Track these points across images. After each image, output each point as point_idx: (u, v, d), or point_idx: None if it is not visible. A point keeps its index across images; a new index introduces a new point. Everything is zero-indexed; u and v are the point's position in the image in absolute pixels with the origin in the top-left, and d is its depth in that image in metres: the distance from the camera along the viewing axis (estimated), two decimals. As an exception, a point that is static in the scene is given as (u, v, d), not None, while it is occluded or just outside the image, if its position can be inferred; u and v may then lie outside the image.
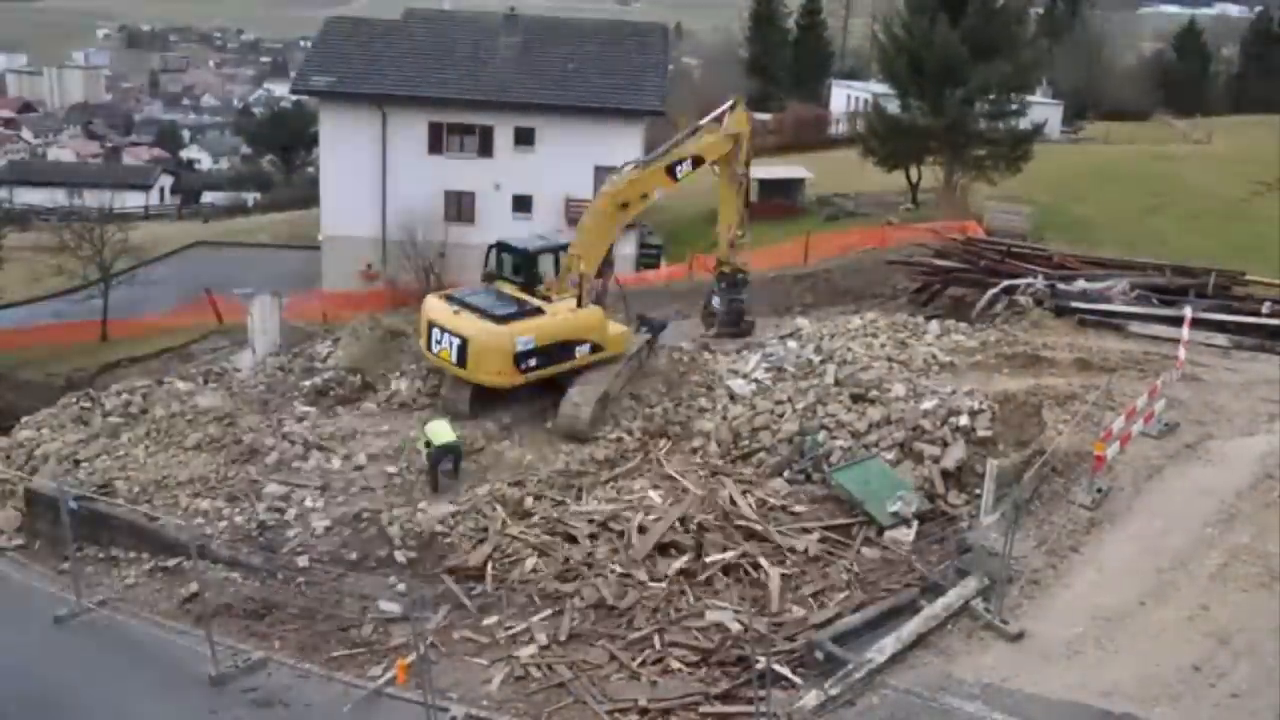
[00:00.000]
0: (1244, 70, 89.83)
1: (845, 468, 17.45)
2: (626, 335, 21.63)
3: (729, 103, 23.30)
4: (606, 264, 22.09)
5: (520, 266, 21.07)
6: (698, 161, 22.24)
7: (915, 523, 16.34)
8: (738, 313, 25.52)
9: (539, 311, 20.09)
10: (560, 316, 20.17)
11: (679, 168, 21.86)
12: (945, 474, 17.82)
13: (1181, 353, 20.27)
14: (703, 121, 23.00)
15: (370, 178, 40.76)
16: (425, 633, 13.18)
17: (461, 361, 19.66)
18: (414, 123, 41.09)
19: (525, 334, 19.56)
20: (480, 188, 41.45)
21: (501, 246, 21.48)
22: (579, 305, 20.43)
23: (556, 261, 21.17)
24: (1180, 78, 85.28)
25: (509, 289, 20.92)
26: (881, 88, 49.53)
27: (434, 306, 20.52)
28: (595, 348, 20.63)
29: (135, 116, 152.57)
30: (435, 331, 20.07)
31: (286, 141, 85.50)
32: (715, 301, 25.49)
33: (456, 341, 19.61)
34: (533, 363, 19.72)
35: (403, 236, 39.05)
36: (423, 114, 41.08)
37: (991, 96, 40.62)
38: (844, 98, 73.90)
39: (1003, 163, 40.26)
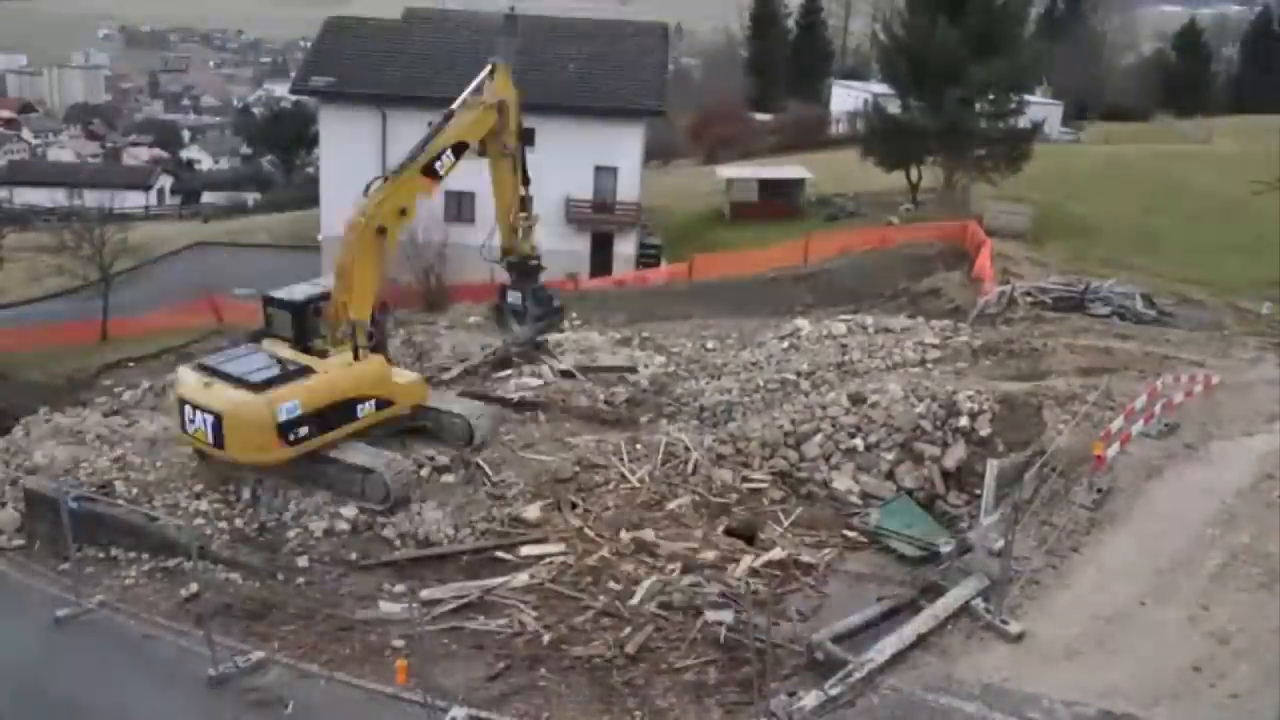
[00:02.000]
0: (1244, 70, 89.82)
1: (883, 511, 17.12)
2: (418, 384, 19.14)
3: (487, 68, 20.28)
4: (381, 303, 18.95)
5: (291, 321, 18.04)
6: (460, 149, 19.70)
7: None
8: (545, 299, 22.98)
9: (307, 371, 17.28)
10: (333, 374, 17.44)
11: (438, 163, 19.20)
12: (945, 474, 17.86)
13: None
14: (456, 102, 20.05)
15: (370, 178, 40.59)
16: (425, 633, 13.17)
17: (218, 441, 16.81)
18: (414, 123, 40.81)
19: (288, 399, 16.71)
20: (480, 188, 41.06)
21: (268, 300, 18.48)
22: (355, 357, 17.75)
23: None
24: (1180, 78, 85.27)
25: (281, 348, 17.92)
26: (881, 88, 49.51)
27: (184, 379, 17.63)
28: (382, 403, 18.07)
29: (135, 116, 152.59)
30: (187, 409, 17.15)
31: (286, 141, 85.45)
32: (512, 298, 22.91)
33: (209, 418, 16.77)
34: (303, 432, 16.88)
35: (402, 236, 38.82)
36: (423, 114, 40.81)
37: (991, 96, 40.61)
38: (844, 97, 73.90)
39: (1002, 162, 40.25)
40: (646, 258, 42.31)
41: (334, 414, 17.34)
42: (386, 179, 18.80)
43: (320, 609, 15.26)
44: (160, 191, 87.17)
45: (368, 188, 18.75)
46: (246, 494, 17.81)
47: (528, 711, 12.82)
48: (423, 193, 19.15)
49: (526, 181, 21.79)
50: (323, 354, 17.80)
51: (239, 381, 16.92)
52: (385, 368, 18.48)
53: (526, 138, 40.56)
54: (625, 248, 41.51)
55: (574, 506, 17.26)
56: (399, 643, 14.16)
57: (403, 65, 41.86)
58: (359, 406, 17.73)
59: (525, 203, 22.04)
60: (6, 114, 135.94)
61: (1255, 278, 31.17)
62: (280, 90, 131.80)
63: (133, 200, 71.30)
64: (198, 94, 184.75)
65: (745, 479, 18.33)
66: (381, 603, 14.78)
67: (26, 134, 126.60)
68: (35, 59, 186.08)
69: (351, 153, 40.67)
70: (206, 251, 50.18)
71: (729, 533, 17.28)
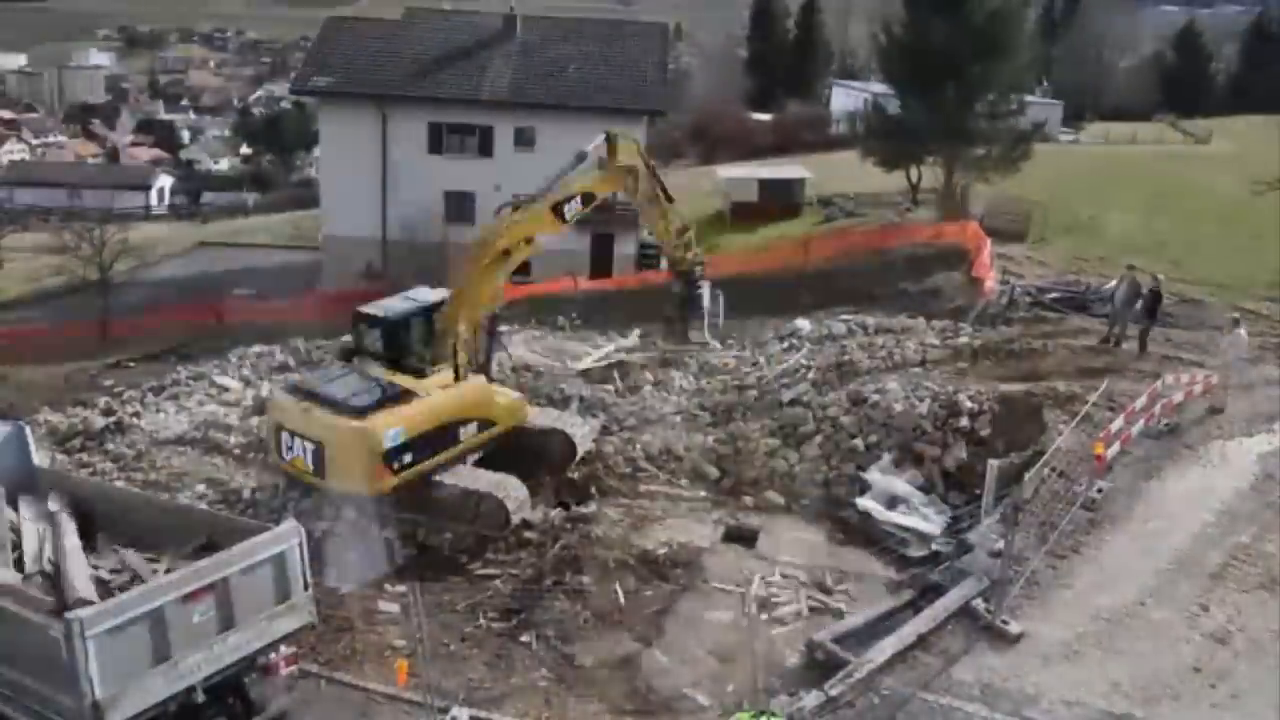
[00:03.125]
0: (1244, 70, 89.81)
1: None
2: (519, 404, 18.62)
3: (601, 138, 19.45)
4: (490, 323, 18.73)
5: (383, 338, 17.41)
6: (588, 199, 19.05)
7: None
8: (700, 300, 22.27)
9: (408, 395, 16.63)
10: (436, 397, 16.83)
11: (567, 207, 18.58)
12: (945, 474, 17.85)
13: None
14: (588, 148, 19.35)
15: (370, 178, 40.71)
16: (425, 633, 13.17)
17: (320, 470, 16.21)
18: (414, 123, 41.06)
19: (393, 425, 16.02)
20: (480, 188, 41.35)
21: (359, 316, 17.81)
22: (456, 377, 17.23)
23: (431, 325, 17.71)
24: (1180, 78, 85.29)
25: (373, 367, 17.30)
26: (881, 88, 49.49)
27: (280, 404, 17.03)
28: (484, 425, 17.54)
29: (135, 116, 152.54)
30: (284, 436, 16.53)
31: (286, 141, 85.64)
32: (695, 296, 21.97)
33: (310, 446, 16.13)
34: (407, 459, 16.24)
35: (403, 237, 38.99)
36: (423, 114, 41.05)
37: (990, 96, 40.59)
38: (844, 97, 73.91)
39: (1002, 163, 40.24)
40: (646, 258, 42.28)
41: (437, 438, 16.64)
42: (516, 208, 18.35)
43: (320, 609, 15.25)
44: (160, 191, 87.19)
45: (498, 211, 18.66)
46: (246, 494, 17.81)
47: (527, 711, 12.83)
48: (550, 230, 18.61)
49: (670, 200, 20.80)
50: (418, 373, 17.14)
51: (340, 407, 16.14)
52: (488, 388, 18.00)
53: (526, 137, 41.27)
54: (625, 248, 41.48)
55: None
56: (399, 643, 14.16)
57: (403, 65, 41.87)
58: (461, 429, 17.10)
59: (674, 221, 20.98)
60: (6, 114, 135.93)
61: (1255, 278, 31.16)
62: (280, 90, 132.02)
63: (133, 200, 71.33)
64: (198, 94, 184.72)
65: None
66: (382, 603, 14.80)
67: (26, 134, 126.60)
68: (35, 59, 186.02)
69: (351, 153, 40.75)
70: (207, 252, 50.18)
71: (728, 537, 17.29)
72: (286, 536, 11.58)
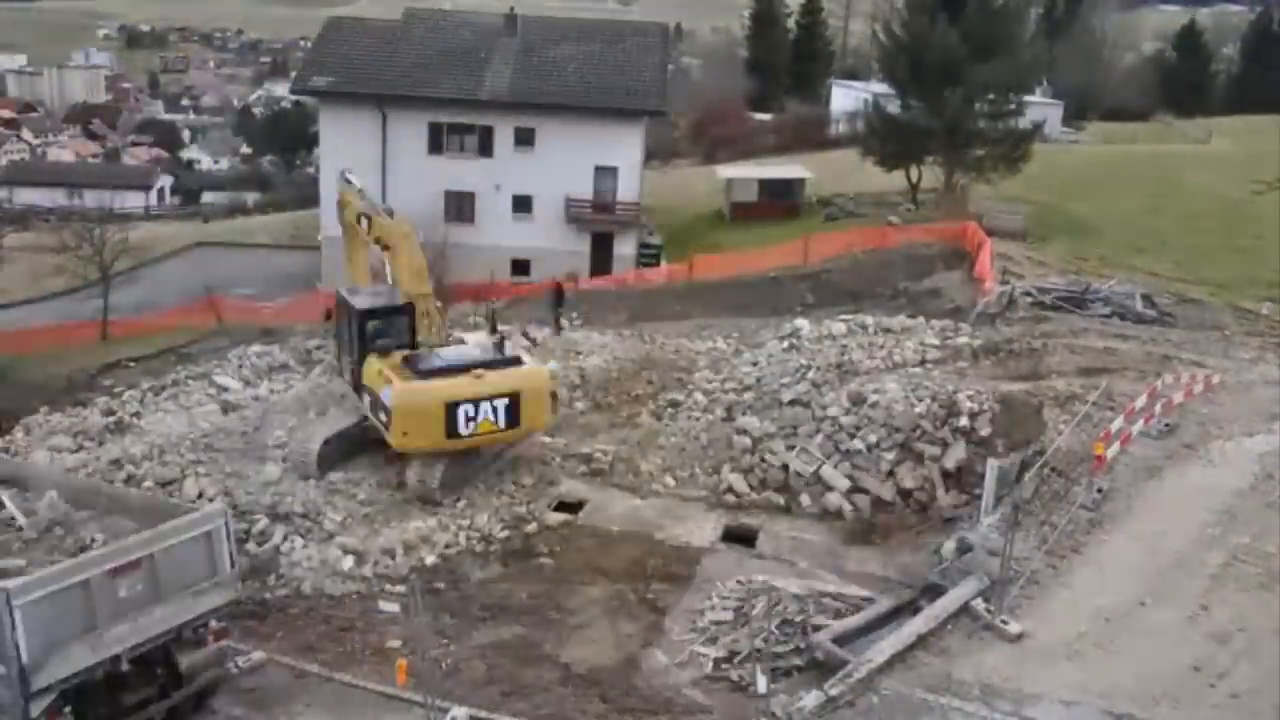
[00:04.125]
0: (1244, 70, 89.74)
1: None
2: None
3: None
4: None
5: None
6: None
7: None
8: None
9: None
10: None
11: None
12: (945, 474, 17.86)
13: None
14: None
15: (370, 178, 40.58)
16: (425, 633, 13.17)
17: (513, 420, 18.05)
18: (414, 123, 41.03)
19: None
20: (480, 188, 41.40)
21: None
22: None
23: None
24: (1180, 78, 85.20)
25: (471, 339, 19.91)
26: (881, 88, 49.47)
27: (440, 389, 17.70)
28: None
29: (135, 116, 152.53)
30: (461, 411, 17.55)
31: (286, 141, 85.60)
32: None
33: (501, 404, 17.80)
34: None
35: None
36: (423, 114, 41.02)
37: (991, 96, 40.58)
38: (844, 97, 73.87)
39: (1002, 163, 40.23)
40: (646, 258, 42.29)
41: None
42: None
43: (320, 609, 15.27)
44: (160, 191, 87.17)
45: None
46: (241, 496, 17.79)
47: (526, 711, 12.83)
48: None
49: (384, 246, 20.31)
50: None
51: (506, 363, 18.45)
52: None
53: (526, 138, 41.25)
54: (625, 248, 41.48)
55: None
56: (398, 643, 14.16)
57: (403, 65, 41.85)
58: None
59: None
60: (6, 114, 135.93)
61: (1255, 278, 31.16)
62: (280, 90, 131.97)
63: (133, 200, 71.30)
64: (198, 94, 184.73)
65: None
66: (382, 603, 14.81)
67: (26, 134, 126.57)
68: (35, 59, 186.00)
69: (351, 153, 40.66)
70: (206, 251, 50.12)
71: (728, 536, 17.31)
72: (213, 517, 12.46)
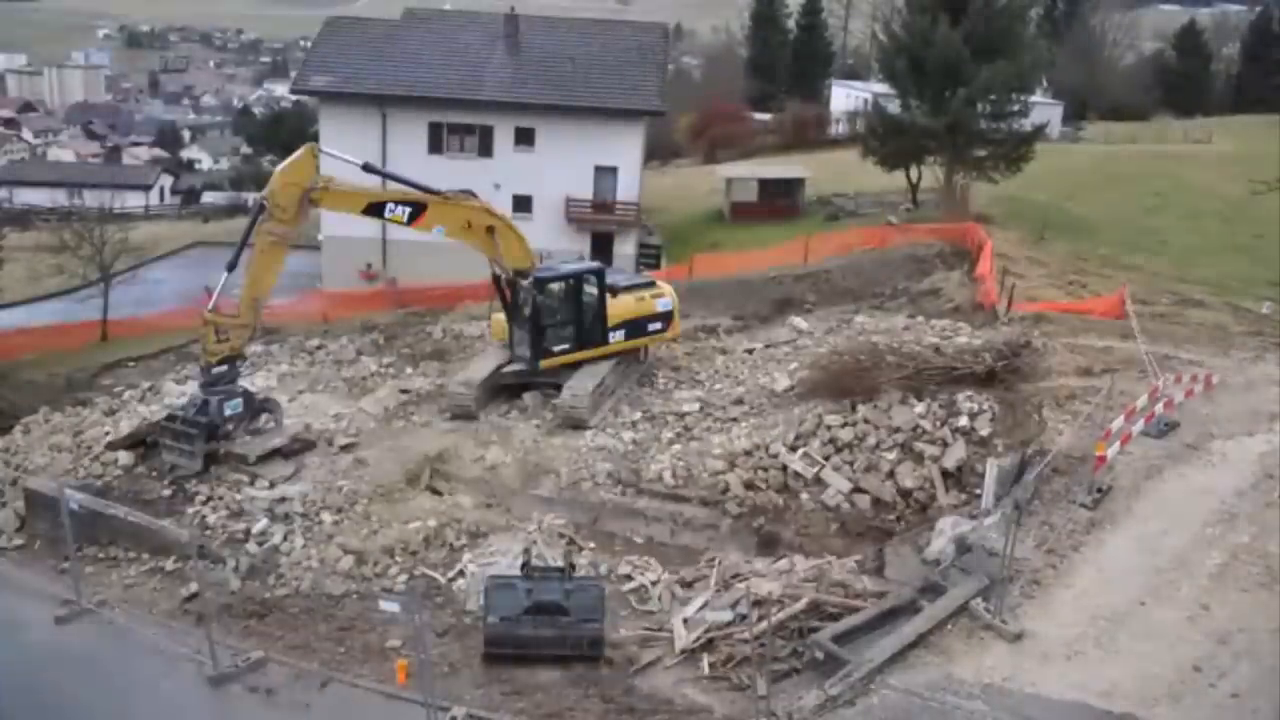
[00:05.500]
0: (1244, 70, 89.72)
1: None
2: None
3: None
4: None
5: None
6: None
7: None
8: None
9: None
10: None
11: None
12: (945, 474, 17.85)
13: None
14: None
15: (370, 178, 40.59)
16: (425, 633, 13.17)
17: (666, 327, 23.01)
18: (414, 123, 41.01)
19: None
20: (480, 188, 41.18)
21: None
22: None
23: None
24: (1180, 78, 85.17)
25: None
26: (881, 88, 49.44)
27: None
28: None
29: (135, 116, 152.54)
30: (620, 331, 22.19)
31: (286, 141, 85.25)
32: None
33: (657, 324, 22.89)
34: None
35: (402, 237, 38.79)
36: (423, 114, 41.00)
37: (993, 97, 40.53)
38: (844, 97, 73.87)
39: (1003, 163, 40.20)
40: (646, 258, 42.28)
41: None
42: None
43: (320, 609, 15.27)
44: (160, 191, 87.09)
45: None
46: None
47: (525, 710, 12.83)
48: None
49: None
50: None
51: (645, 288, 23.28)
52: None
53: (526, 137, 41.24)
54: (625, 248, 41.47)
55: None
56: (398, 643, 14.16)
57: (403, 65, 41.84)
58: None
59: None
60: (6, 114, 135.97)
61: (1255, 278, 31.16)
62: (280, 90, 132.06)
63: (133, 200, 71.21)
64: (198, 94, 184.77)
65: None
66: (382, 602, 14.80)
67: (26, 134, 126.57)
68: (35, 59, 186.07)
69: (351, 153, 40.42)
70: (206, 251, 50.09)
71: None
72: None
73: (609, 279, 22.54)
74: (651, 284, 23.67)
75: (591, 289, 21.82)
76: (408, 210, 20.38)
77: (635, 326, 22.19)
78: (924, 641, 13.17)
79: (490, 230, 20.85)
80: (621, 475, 18.66)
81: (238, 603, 15.36)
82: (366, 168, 20.79)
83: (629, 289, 22.70)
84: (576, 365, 21.42)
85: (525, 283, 20.92)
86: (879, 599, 14.48)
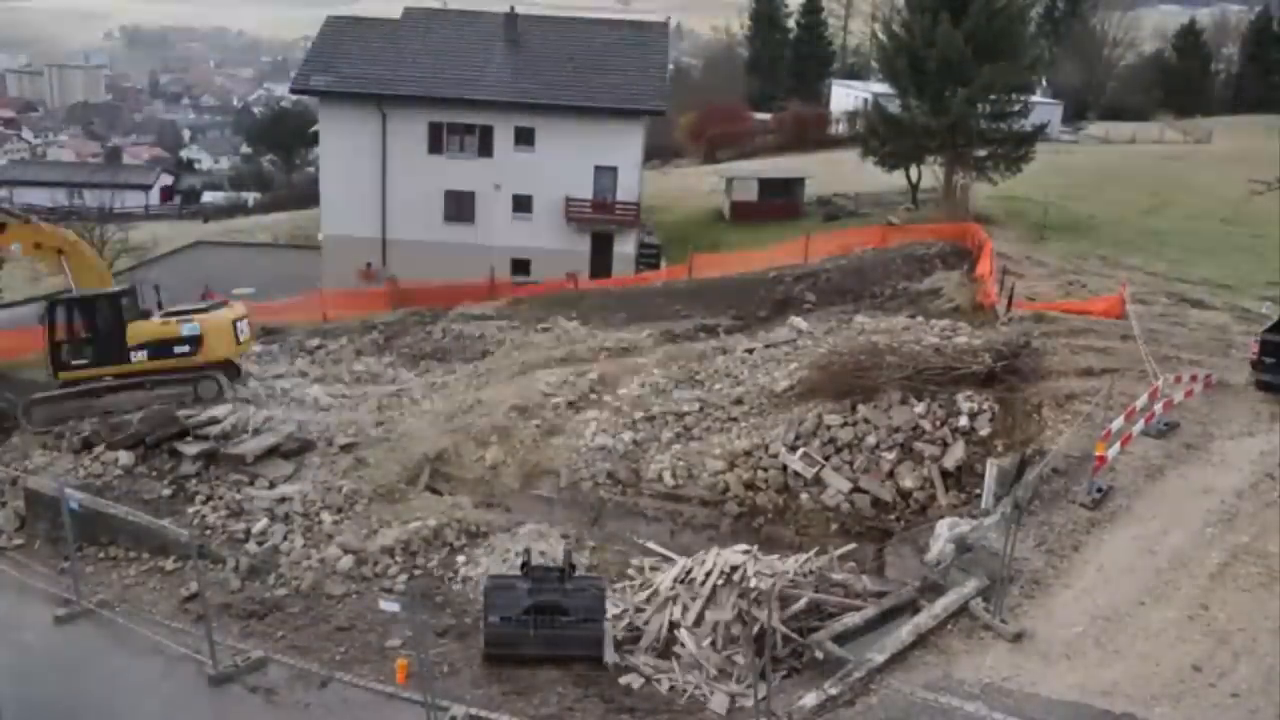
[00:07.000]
0: (1244, 70, 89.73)
1: None
2: None
3: None
4: None
5: None
6: None
7: None
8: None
9: None
10: None
11: None
12: (945, 474, 17.86)
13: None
14: None
15: (370, 177, 40.69)
16: (425, 633, 13.18)
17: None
18: (414, 123, 41.03)
19: None
20: (480, 188, 41.39)
21: None
22: None
23: None
24: (1180, 78, 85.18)
25: None
26: (882, 88, 49.45)
27: None
28: None
29: (135, 116, 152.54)
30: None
31: (286, 141, 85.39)
32: None
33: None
34: None
35: (403, 236, 38.96)
36: (423, 114, 41.02)
37: (993, 97, 40.54)
38: (844, 97, 73.87)
39: (1003, 163, 40.22)
40: (646, 258, 42.28)
41: None
42: None
43: (320, 609, 15.27)
44: (161, 190, 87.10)
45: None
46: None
47: (525, 710, 12.83)
48: None
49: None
50: None
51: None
52: None
53: (526, 137, 41.25)
54: (625, 248, 41.49)
55: None
56: (398, 643, 14.16)
57: (403, 65, 41.84)
58: None
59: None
60: (6, 114, 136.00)
61: (1255, 278, 31.14)
62: (280, 90, 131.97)
63: (133, 200, 71.23)
64: (198, 94, 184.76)
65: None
66: (382, 602, 14.80)
67: (26, 134, 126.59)
68: (35, 59, 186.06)
69: (351, 152, 40.71)
70: (206, 251, 50.13)
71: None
72: None
73: (172, 306, 23.55)
74: (215, 308, 23.66)
75: (109, 312, 22.50)
76: None
77: (159, 348, 22.45)
78: (924, 641, 13.16)
79: (60, 252, 22.94)
80: (621, 475, 18.69)
81: (238, 603, 15.36)
82: None
83: (175, 314, 23.00)
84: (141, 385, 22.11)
85: (41, 303, 22.47)
86: (879, 599, 14.51)
